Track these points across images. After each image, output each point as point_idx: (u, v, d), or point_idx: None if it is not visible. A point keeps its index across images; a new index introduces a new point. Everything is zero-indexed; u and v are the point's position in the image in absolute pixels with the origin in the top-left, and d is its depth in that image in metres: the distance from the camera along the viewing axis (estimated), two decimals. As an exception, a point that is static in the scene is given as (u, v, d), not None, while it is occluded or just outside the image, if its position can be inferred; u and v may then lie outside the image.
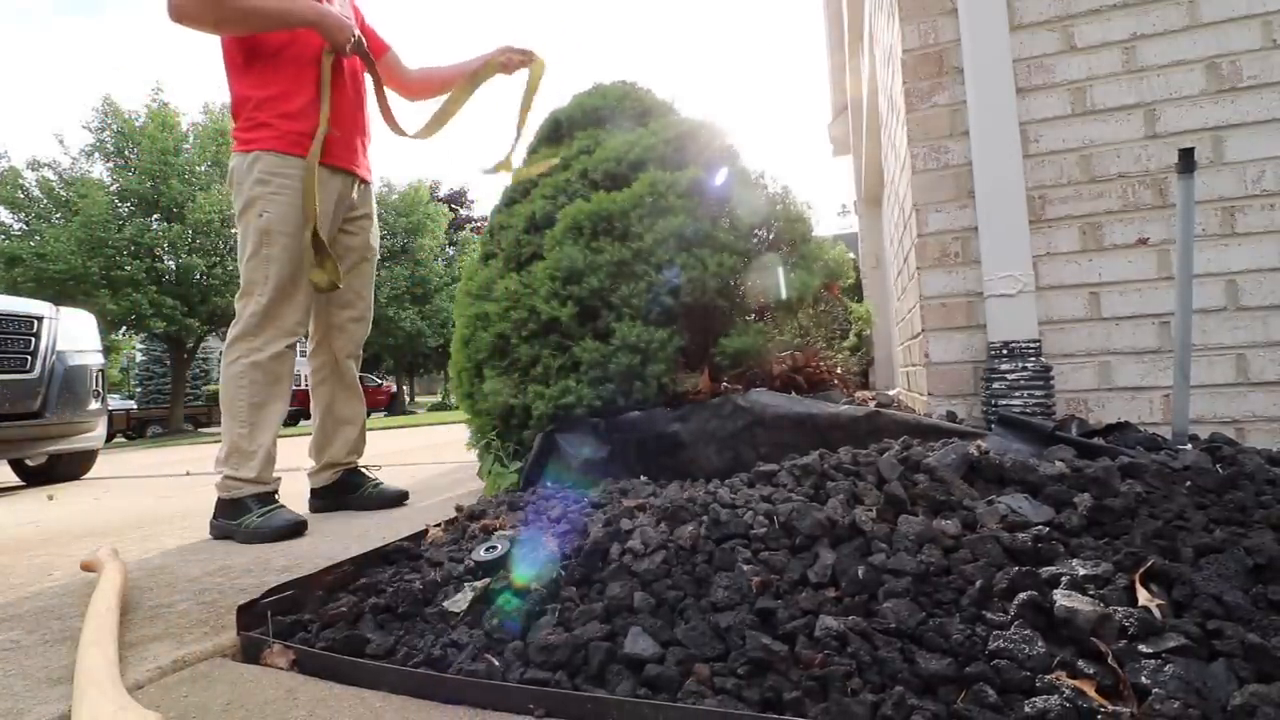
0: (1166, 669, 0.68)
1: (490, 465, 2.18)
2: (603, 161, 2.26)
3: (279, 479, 2.11)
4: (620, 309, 1.93)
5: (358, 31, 2.05)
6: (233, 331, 2.02)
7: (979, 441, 1.35)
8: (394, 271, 25.09)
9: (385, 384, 25.13)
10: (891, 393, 3.09)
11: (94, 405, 4.32)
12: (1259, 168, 1.72)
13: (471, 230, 30.61)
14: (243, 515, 1.94)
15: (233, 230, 18.31)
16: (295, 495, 2.88)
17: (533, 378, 2.04)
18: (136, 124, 18.53)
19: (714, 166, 2.20)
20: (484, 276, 2.38)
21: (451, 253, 28.57)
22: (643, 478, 1.67)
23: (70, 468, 4.70)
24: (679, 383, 1.88)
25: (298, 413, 20.47)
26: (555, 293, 2.01)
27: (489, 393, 2.13)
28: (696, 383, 1.90)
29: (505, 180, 2.70)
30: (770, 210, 2.12)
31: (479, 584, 1.10)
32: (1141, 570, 0.84)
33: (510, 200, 2.63)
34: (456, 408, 2.58)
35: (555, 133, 2.71)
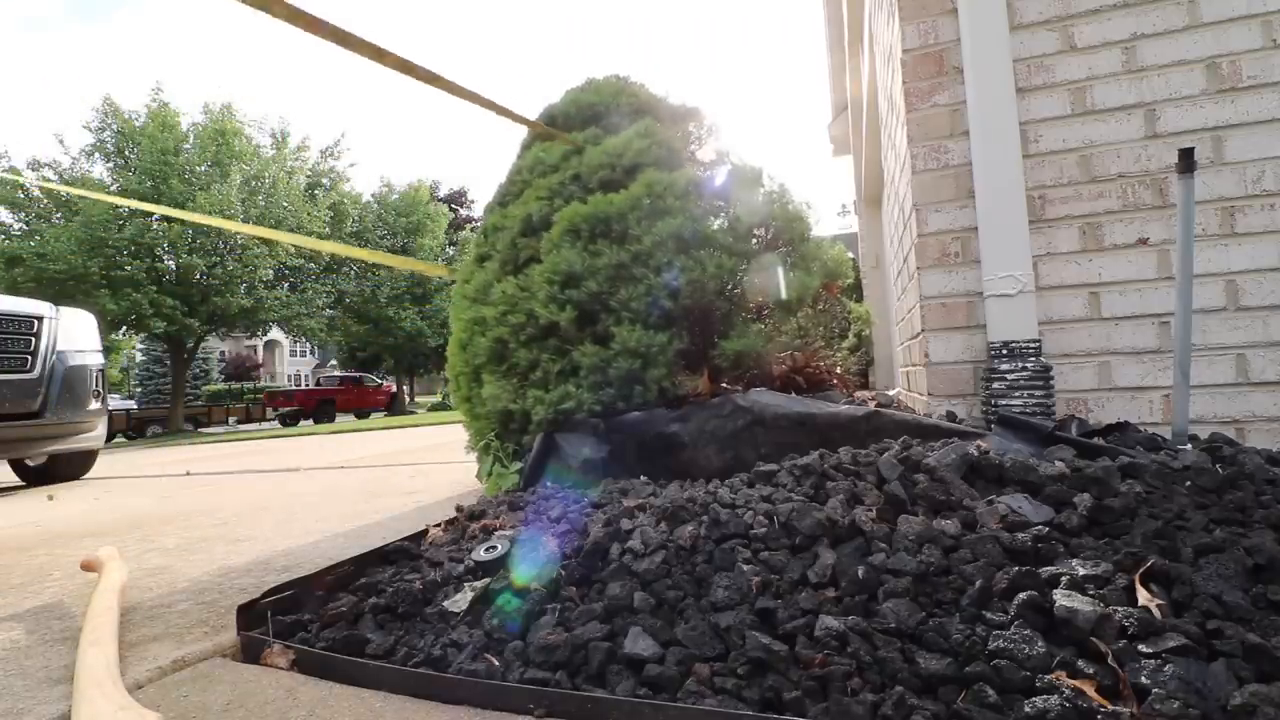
0: (1166, 669, 0.68)
1: (490, 467, 2.17)
2: (598, 169, 2.23)
3: None
4: (619, 312, 1.93)
5: None
6: None
7: (979, 441, 1.35)
8: (394, 272, 25.07)
9: (385, 384, 25.12)
10: (891, 393, 3.09)
11: (94, 405, 4.32)
12: (1259, 168, 1.72)
13: (472, 230, 30.62)
14: None
15: (234, 233, 18.30)
16: (296, 495, 2.88)
17: (532, 382, 2.02)
18: (136, 124, 18.54)
19: (711, 166, 2.20)
20: (480, 279, 2.37)
21: (451, 252, 28.56)
22: (643, 478, 1.68)
23: (70, 468, 4.70)
24: (679, 385, 1.88)
25: (298, 413, 20.52)
26: (554, 296, 1.99)
27: (488, 398, 2.12)
28: (696, 385, 1.90)
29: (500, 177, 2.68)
30: (769, 210, 2.11)
31: (479, 584, 1.10)
32: (1141, 570, 0.84)
33: (503, 200, 2.60)
34: (456, 408, 2.57)
35: (550, 128, 2.69)
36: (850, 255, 2.36)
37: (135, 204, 2.96)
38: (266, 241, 19.05)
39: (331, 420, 19.95)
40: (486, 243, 2.54)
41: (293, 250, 19.97)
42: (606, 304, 1.96)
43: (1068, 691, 0.67)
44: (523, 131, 2.80)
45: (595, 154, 2.27)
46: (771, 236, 2.12)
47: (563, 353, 1.99)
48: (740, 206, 2.07)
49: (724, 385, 2.01)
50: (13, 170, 17.14)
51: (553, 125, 2.67)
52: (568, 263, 1.99)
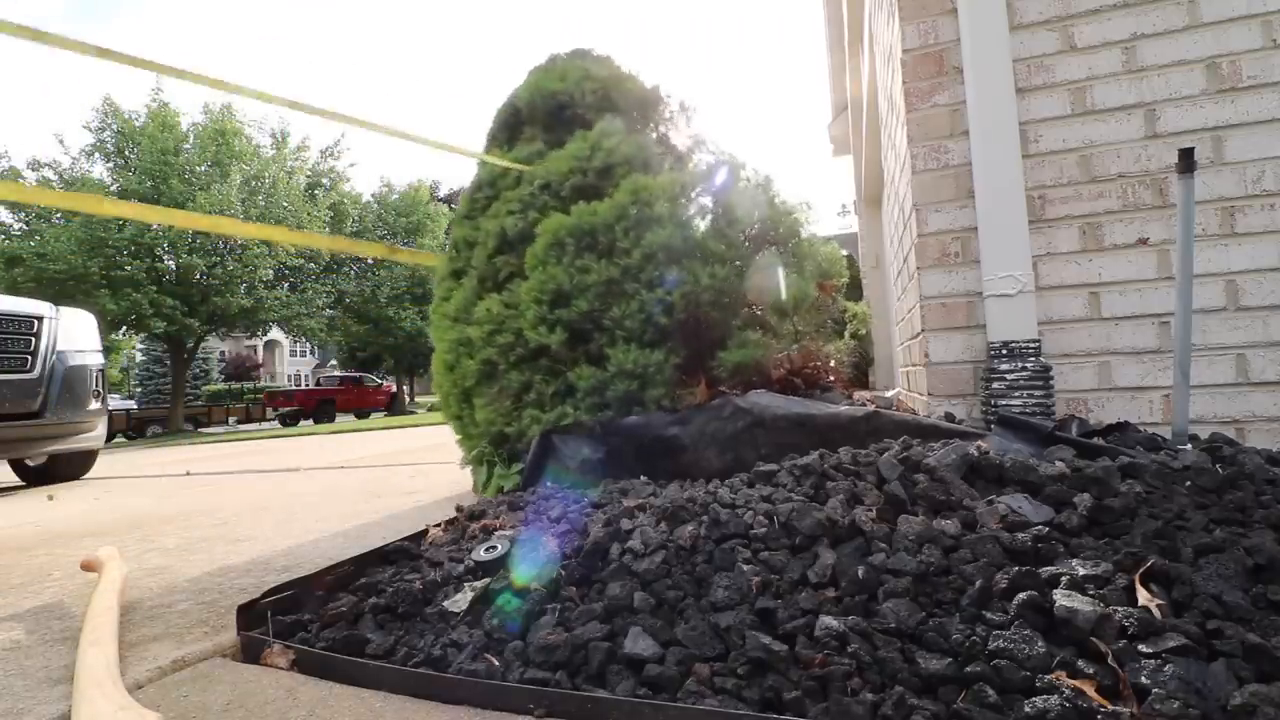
0: (1166, 669, 0.68)
1: (486, 476, 2.13)
2: (568, 176, 2.11)
3: None
4: (613, 331, 1.85)
5: None
6: None
7: (979, 442, 1.35)
8: (394, 272, 25.07)
9: (385, 384, 25.10)
10: (891, 393, 3.09)
11: (94, 405, 4.32)
12: (1259, 168, 1.72)
13: (471, 230, 30.50)
14: None
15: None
16: (296, 495, 2.88)
17: (526, 403, 1.96)
18: (136, 124, 18.55)
19: (687, 155, 2.14)
20: (460, 297, 2.26)
21: (451, 252, 28.51)
22: (643, 478, 1.67)
23: (70, 468, 4.70)
24: (678, 400, 1.85)
25: (298, 413, 20.51)
26: (543, 317, 1.91)
27: (481, 421, 2.05)
28: (695, 395, 1.89)
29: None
30: (755, 204, 2.05)
31: (479, 584, 1.10)
32: (1141, 570, 0.84)
33: (470, 212, 2.44)
34: (448, 423, 2.49)
35: (515, 120, 2.50)
36: (849, 255, 2.35)
37: (130, 214, 2.86)
38: (266, 241, 19.04)
39: (331, 420, 19.94)
40: (460, 257, 2.39)
41: (293, 250, 19.97)
42: (599, 322, 1.89)
43: (1068, 691, 0.67)
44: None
45: (560, 160, 2.14)
46: (761, 233, 2.09)
47: (556, 374, 1.93)
48: (729, 204, 2.03)
49: (722, 389, 2.00)
50: (13, 171, 17.14)
51: (517, 118, 2.50)
52: (555, 280, 1.91)
